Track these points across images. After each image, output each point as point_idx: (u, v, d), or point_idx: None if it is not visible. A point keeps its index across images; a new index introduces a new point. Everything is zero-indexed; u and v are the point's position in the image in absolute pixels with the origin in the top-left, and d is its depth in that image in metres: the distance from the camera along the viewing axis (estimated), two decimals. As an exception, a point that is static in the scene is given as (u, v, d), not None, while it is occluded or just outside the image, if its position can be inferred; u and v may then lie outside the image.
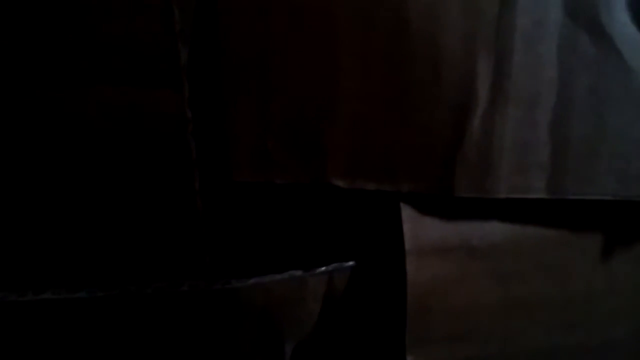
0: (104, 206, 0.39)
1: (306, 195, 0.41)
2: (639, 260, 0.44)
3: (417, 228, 0.41)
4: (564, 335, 0.44)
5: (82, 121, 0.37)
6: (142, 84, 0.37)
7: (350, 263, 0.42)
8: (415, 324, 0.41)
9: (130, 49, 0.36)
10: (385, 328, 0.43)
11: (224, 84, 0.38)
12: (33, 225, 0.39)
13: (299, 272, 0.41)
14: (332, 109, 0.39)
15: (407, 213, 0.40)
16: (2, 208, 0.38)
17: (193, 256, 0.40)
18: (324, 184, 0.40)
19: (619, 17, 0.39)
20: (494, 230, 0.41)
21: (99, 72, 0.37)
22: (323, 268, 0.41)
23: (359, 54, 0.38)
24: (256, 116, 0.39)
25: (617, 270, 0.44)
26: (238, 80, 0.38)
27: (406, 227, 0.40)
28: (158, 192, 0.39)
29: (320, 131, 0.39)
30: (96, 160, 0.38)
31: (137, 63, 0.37)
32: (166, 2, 0.36)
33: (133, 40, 0.36)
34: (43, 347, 0.39)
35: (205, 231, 0.40)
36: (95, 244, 0.39)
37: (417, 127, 0.39)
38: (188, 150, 0.39)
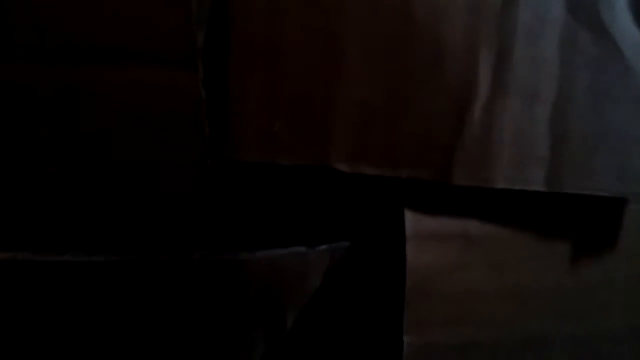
0: (122, 177, 0.41)
1: (311, 177, 0.43)
2: (634, 255, 0.44)
3: (418, 215, 0.42)
4: (557, 325, 0.44)
5: (99, 96, 0.39)
6: (160, 64, 0.39)
7: (350, 243, 0.43)
8: (413, 307, 0.42)
9: (149, 31, 0.38)
10: (384, 309, 0.44)
11: (235, 66, 0.40)
12: (56, 192, 0.41)
13: (302, 249, 0.42)
14: (336, 94, 0.40)
15: (409, 200, 0.42)
16: (25, 173, 0.41)
17: (203, 229, 0.42)
18: (328, 167, 0.41)
19: (620, 17, 0.40)
20: (492, 220, 0.42)
21: (118, 51, 0.39)
22: (325, 246, 0.43)
23: (362, 41, 0.39)
24: (264, 99, 0.40)
25: (612, 264, 0.44)
26: (248, 63, 0.40)
27: (408, 214, 0.42)
28: (173, 168, 0.41)
29: (325, 116, 0.40)
30: (115, 134, 0.40)
31: (155, 44, 0.39)
32: (184, -13, 0.38)
33: (152, 22, 0.38)
34: (61, 308, 0.41)
35: (216, 207, 0.42)
36: (113, 213, 0.41)
37: (418, 116, 0.40)
38: (201, 128, 0.40)
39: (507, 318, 0.44)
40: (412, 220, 0.42)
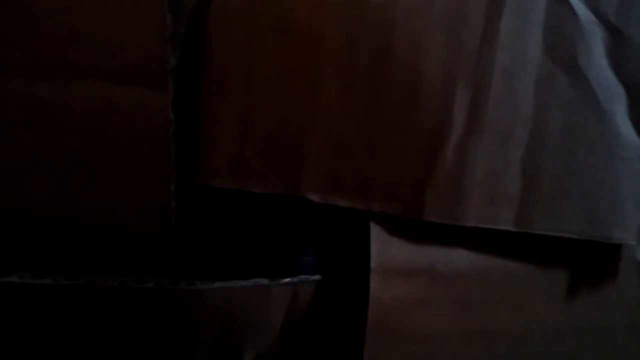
0: (82, 198, 0.39)
1: (279, 204, 0.42)
2: (604, 302, 0.44)
3: (385, 248, 0.41)
4: (522, 371, 0.44)
5: (65, 112, 0.38)
6: (129, 82, 0.38)
7: (317, 277, 0.42)
8: (373, 344, 0.41)
9: (119, 47, 0.37)
10: (346, 346, 0.43)
11: (208, 89, 0.39)
12: (9, 209, 0.39)
13: (264, 280, 0.41)
14: (312, 124, 0.40)
15: (376, 232, 0.41)
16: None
17: (160, 255, 0.41)
18: (298, 196, 0.41)
19: (596, 61, 0.40)
20: (460, 257, 0.42)
21: (86, 67, 0.38)
22: (288, 279, 0.42)
23: (341, 74, 0.39)
24: (237, 124, 0.40)
25: (581, 311, 0.44)
26: (222, 87, 0.39)
27: (374, 246, 0.41)
28: (133, 188, 0.40)
29: (299, 145, 0.40)
30: (79, 153, 0.39)
31: (125, 61, 0.38)
32: (159, 6, 0.37)
33: (124, 39, 0.37)
34: (3, 329, 0.40)
35: (175, 232, 0.41)
36: (64, 231, 0.40)
37: (392, 150, 0.40)
38: (167, 151, 0.39)
39: None
40: (377, 253, 0.41)
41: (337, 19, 0.39)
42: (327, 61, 0.39)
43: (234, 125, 0.40)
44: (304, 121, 0.40)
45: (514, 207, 0.41)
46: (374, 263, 0.41)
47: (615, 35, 0.41)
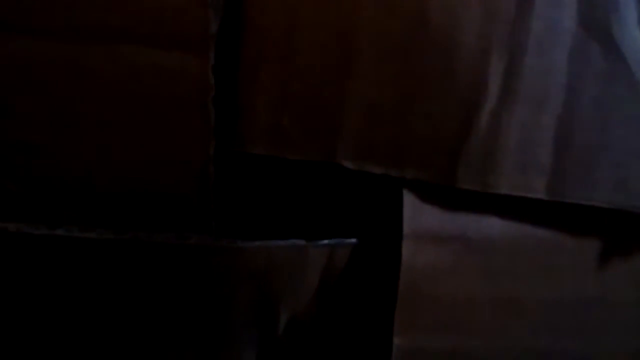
0: (123, 155, 0.41)
1: (315, 171, 0.43)
2: (634, 272, 0.44)
3: (417, 214, 0.42)
4: (550, 339, 0.44)
5: (106, 76, 0.39)
6: (169, 47, 0.39)
7: (352, 240, 0.43)
8: (405, 308, 0.42)
9: (160, 12, 0.38)
10: (379, 309, 0.44)
11: (247, 56, 0.40)
12: (53, 166, 0.41)
13: (302, 242, 0.42)
14: (347, 92, 0.40)
15: (409, 199, 0.42)
16: (22, 148, 0.40)
17: (201, 217, 0.42)
18: (334, 163, 0.42)
19: (631, 32, 0.41)
20: (491, 225, 0.43)
21: (127, 32, 0.39)
22: (325, 241, 0.43)
23: (377, 41, 0.40)
24: (275, 92, 0.41)
25: (611, 281, 0.44)
26: (261, 53, 0.40)
27: (406, 212, 0.42)
28: (173, 153, 0.41)
29: (334, 112, 0.41)
30: (119, 117, 0.40)
31: (166, 26, 0.39)
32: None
33: (165, 4, 0.38)
34: (49, 282, 0.41)
35: (215, 196, 0.42)
36: (112, 189, 0.41)
37: (426, 117, 0.41)
38: (207, 115, 0.40)
39: (500, 328, 0.44)
40: (410, 219, 0.42)
41: None
42: (363, 28, 0.40)
43: (272, 92, 0.41)
44: (340, 88, 0.40)
45: (545, 176, 0.41)
46: (406, 229, 0.42)
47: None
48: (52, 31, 0.38)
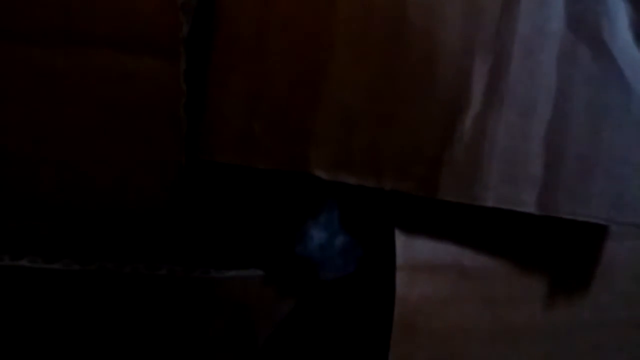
0: (89, 165, 0.38)
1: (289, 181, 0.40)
2: (632, 296, 0.42)
3: (410, 243, 0.39)
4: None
5: (73, 81, 0.37)
6: (140, 51, 0.37)
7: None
8: (399, 342, 0.39)
9: (132, 16, 0.37)
10: (368, 343, 0.41)
11: (217, 60, 0.38)
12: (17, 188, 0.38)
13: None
14: (321, 95, 0.38)
15: (401, 227, 0.39)
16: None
17: (172, 236, 0.39)
18: (307, 173, 0.39)
19: (621, 36, 0.39)
20: (486, 250, 0.40)
21: (98, 36, 0.37)
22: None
23: (353, 43, 0.37)
24: (246, 97, 0.38)
25: (605, 303, 0.42)
26: (231, 58, 0.38)
27: (399, 241, 0.39)
28: (144, 160, 0.38)
29: (307, 117, 0.38)
30: (88, 123, 0.38)
31: (136, 30, 0.37)
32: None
33: (136, 7, 0.36)
34: (12, 315, 0.39)
35: (184, 208, 0.39)
36: (75, 207, 0.39)
37: (405, 123, 0.38)
38: (178, 123, 0.38)
39: (496, 358, 0.41)
40: (403, 247, 0.39)
41: None
42: (338, 28, 0.37)
43: (243, 98, 0.38)
44: (314, 92, 0.38)
45: (536, 188, 0.38)
46: (399, 259, 0.39)
47: (640, 11, 0.40)
48: (18, 33, 0.36)
